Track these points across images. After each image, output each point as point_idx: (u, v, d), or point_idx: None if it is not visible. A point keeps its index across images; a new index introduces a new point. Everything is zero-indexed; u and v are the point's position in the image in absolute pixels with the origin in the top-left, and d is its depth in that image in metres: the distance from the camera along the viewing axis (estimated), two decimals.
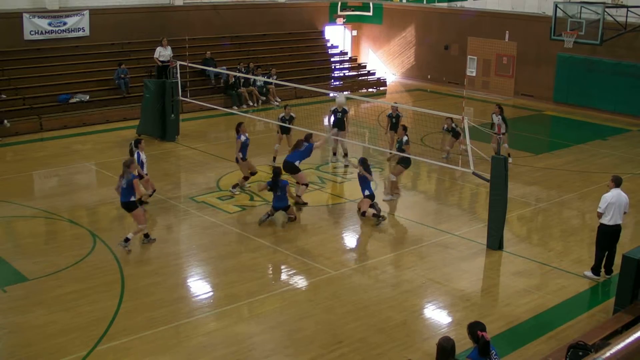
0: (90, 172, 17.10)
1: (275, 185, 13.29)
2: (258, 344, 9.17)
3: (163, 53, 22.70)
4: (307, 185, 14.45)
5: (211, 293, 10.71)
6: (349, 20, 31.79)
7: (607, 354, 4.62)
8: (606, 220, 10.86)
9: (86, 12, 23.37)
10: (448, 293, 10.77)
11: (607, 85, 23.88)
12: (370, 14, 31.69)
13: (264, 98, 25.01)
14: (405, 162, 14.73)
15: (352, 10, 31.72)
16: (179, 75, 19.91)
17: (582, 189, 15.87)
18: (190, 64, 21.28)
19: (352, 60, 31.01)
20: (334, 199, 15.41)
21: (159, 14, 25.27)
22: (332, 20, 31.01)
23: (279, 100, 24.88)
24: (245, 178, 15.08)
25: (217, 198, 14.83)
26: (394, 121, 17.50)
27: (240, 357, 8.83)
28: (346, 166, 17.27)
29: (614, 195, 10.80)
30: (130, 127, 20.52)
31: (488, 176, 12.24)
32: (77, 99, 21.94)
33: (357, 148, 18.15)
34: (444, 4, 28.58)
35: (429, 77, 29.82)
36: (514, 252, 12.31)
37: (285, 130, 17.28)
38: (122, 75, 22.77)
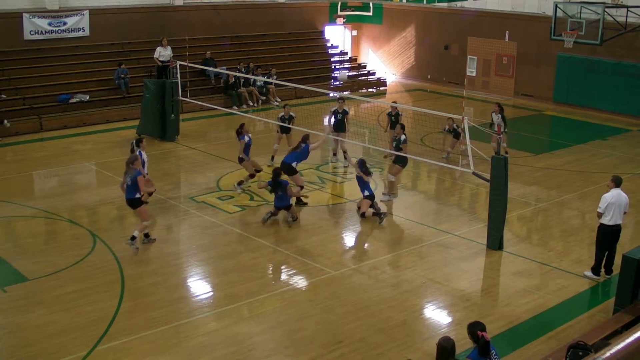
0: (90, 172, 17.10)
1: (276, 185, 13.32)
2: (258, 344, 9.18)
3: (163, 53, 22.70)
4: (302, 187, 14.48)
5: (211, 293, 10.71)
6: (349, 20, 31.79)
7: (607, 354, 4.63)
8: (606, 220, 10.86)
9: (86, 12, 23.37)
10: (448, 293, 10.77)
11: (607, 85, 23.88)
12: (370, 14, 31.70)
13: (264, 98, 25.01)
14: (402, 162, 14.73)
15: (352, 10, 31.72)
16: (179, 75, 19.91)
17: (582, 189, 15.87)
18: (190, 64, 21.28)
19: (352, 60, 31.02)
20: (334, 199, 15.41)
21: (159, 14, 25.27)
22: (332, 20, 31.01)
23: (279, 100, 24.88)
24: (251, 176, 15.16)
25: (217, 198, 14.83)
26: (394, 120, 17.50)
27: (240, 357, 8.83)
28: (346, 167, 17.28)
29: (614, 195, 10.80)
30: (130, 127, 20.52)
31: (488, 176, 12.24)
32: (77, 99, 21.93)
33: (357, 148, 18.16)
34: (444, 4, 28.58)
35: (429, 77, 29.82)
36: (514, 252, 12.31)
37: (285, 130, 17.29)
38: (122, 75, 22.77)
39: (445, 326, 9.80)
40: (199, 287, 10.97)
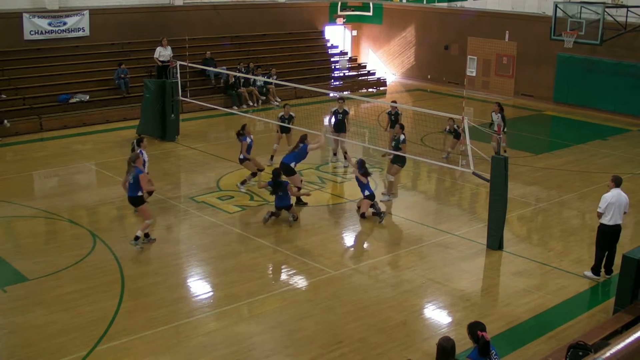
0: (90, 172, 17.10)
1: (277, 185, 13.33)
2: (258, 344, 9.18)
3: (163, 53, 22.70)
4: (299, 188, 14.47)
5: (211, 293, 10.71)
6: (349, 20, 31.78)
7: (607, 354, 4.63)
8: (606, 220, 10.86)
9: (86, 12, 23.37)
10: (448, 293, 10.77)
11: (607, 85, 23.88)
12: (370, 14, 31.70)
13: (264, 98, 25.01)
14: (400, 161, 14.73)
15: (352, 10, 31.72)
16: (179, 75, 19.91)
17: (582, 189, 15.87)
18: (190, 64, 21.29)
19: (352, 60, 31.01)
20: (334, 199, 15.41)
21: (159, 14, 25.27)
22: (332, 20, 31.01)
23: (279, 100, 24.87)
24: (254, 174, 15.17)
25: (217, 198, 14.83)
26: (394, 119, 17.50)
27: (240, 357, 8.83)
28: (346, 167, 17.28)
29: (614, 195, 10.80)
30: (130, 127, 20.52)
31: (488, 176, 12.24)
32: (77, 99, 21.93)
33: (357, 148, 18.16)
34: (444, 4, 28.58)
35: (429, 77, 29.82)
36: (514, 252, 12.31)
37: (284, 130, 17.30)
38: (122, 75, 22.77)
39: (445, 326, 9.80)
40: (199, 287, 10.97)
